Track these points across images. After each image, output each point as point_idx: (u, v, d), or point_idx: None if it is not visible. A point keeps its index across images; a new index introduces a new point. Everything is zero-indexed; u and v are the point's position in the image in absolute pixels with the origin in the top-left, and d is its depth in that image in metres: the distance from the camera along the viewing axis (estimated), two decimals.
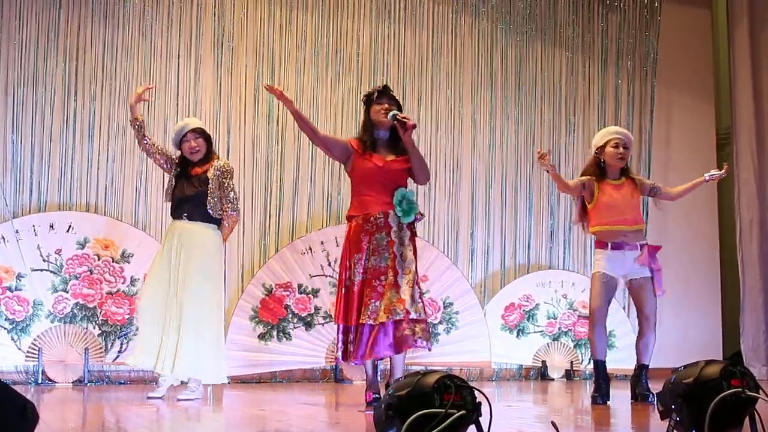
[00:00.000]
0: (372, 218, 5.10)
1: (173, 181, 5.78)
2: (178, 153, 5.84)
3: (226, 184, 5.77)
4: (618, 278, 5.70)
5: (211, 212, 5.70)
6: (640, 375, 5.71)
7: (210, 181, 5.71)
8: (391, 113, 5.09)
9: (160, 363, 5.54)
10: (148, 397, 5.58)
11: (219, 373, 5.75)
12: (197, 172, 5.76)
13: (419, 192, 6.78)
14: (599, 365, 5.62)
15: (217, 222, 5.76)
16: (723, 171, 5.88)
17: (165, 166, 5.87)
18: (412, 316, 4.97)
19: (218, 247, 5.81)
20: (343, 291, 5.13)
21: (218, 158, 5.89)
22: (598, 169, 5.74)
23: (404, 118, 5.05)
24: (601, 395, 5.50)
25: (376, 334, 4.96)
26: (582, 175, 5.82)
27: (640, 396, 5.66)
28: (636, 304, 5.81)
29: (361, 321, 4.97)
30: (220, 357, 5.76)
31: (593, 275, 5.72)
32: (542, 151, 5.58)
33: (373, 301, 4.99)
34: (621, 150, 5.73)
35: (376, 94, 5.22)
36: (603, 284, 5.66)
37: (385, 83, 5.45)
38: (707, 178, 5.85)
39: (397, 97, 5.30)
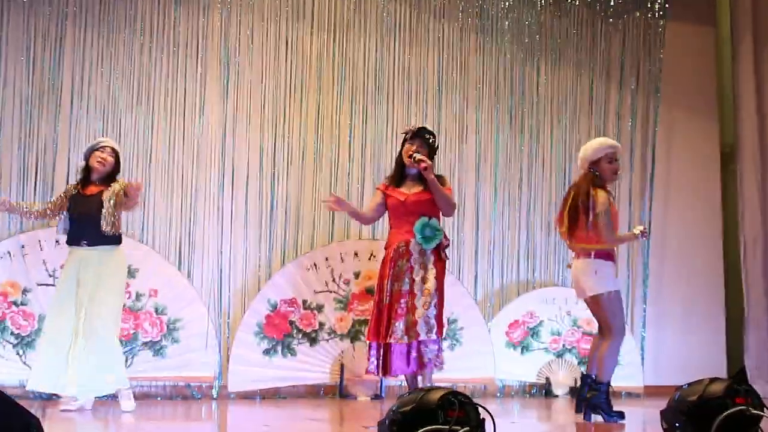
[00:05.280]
0: (396, 247, 5.71)
1: (67, 203, 5.92)
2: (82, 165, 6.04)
3: (119, 194, 5.86)
4: None
5: (106, 232, 5.79)
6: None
7: (104, 203, 5.81)
8: (412, 155, 5.66)
9: (65, 385, 5.61)
10: (63, 410, 5.59)
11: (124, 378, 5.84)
12: (92, 191, 5.89)
13: None
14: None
15: (116, 240, 5.86)
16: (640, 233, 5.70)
17: (56, 212, 6.00)
18: (422, 337, 5.53)
19: (120, 266, 5.97)
20: (376, 311, 5.75)
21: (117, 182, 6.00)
22: (596, 181, 5.55)
23: (420, 158, 5.61)
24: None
25: (400, 354, 5.57)
26: (594, 188, 5.53)
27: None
28: (608, 316, 5.52)
29: (387, 341, 5.58)
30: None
31: (614, 294, 5.47)
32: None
33: (395, 322, 5.58)
34: (616, 165, 5.63)
35: (408, 134, 5.79)
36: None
37: (422, 125, 5.97)
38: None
39: (432, 138, 5.85)
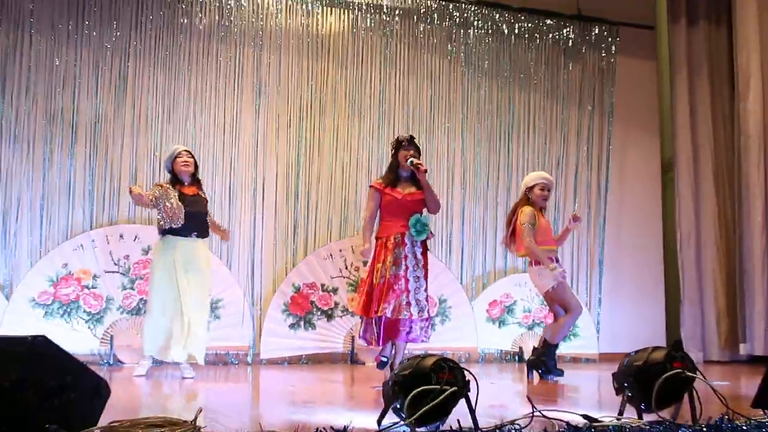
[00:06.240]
0: (392, 237, 5.50)
1: (177, 202, 5.62)
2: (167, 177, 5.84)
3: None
4: None
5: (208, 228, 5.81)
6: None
7: (207, 203, 5.80)
8: (409, 160, 5.46)
9: (180, 352, 5.54)
10: (136, 376, 5.52)
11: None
12: (194, 191, 5.75)
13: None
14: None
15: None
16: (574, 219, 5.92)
17: (153, 203, 5.66)
18: (414, 317, 5.42)
19: (209, 256, 5.92)
20: (368, 289, 5.51)
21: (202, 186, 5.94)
22: (529, 203, 5.77)
23: (419, 163, 5.44)
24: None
25: (391, 325, 5.40)
26: (521, 207, 5.80)
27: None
28: (562, 302, 5.70)
29: (379, 314, 5.35)
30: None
31: (557, 285, 5.61)
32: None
33: (392, 300, 5.38)
34: (546, 193, 5.80)
35: (405, 142, 5.54)
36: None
37: (411, 134, 5.70)
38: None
39: (419, 145, 5.65)
